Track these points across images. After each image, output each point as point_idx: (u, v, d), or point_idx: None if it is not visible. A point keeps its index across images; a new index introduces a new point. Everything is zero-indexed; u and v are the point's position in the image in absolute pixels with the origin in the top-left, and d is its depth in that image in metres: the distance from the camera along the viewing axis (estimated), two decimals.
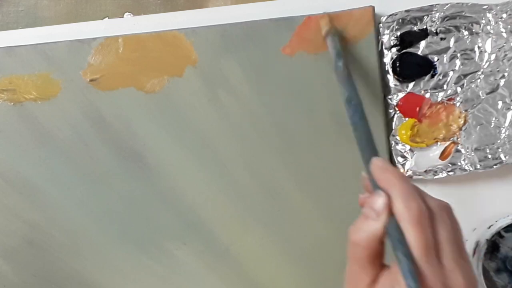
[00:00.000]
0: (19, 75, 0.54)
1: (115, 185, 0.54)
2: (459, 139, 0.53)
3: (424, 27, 0.53)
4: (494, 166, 0.52)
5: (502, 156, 0.52)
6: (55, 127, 0.54)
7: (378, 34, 0.54)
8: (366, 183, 0.41)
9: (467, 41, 0.53)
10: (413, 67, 0.53)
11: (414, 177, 0.53)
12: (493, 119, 0.53)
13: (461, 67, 0.53)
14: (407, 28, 0.53)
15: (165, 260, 0.55)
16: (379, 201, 0.37)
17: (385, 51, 0.53)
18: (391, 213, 0.36)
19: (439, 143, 0.53)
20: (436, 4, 0.53)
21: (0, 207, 0.54)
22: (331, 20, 0.52)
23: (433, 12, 0.53)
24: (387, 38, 0.53)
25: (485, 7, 0.52)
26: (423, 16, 0.53)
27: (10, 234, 0.55)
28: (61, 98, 0.54)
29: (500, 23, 0.52)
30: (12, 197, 0.54)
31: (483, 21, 0.53)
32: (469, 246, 0.53)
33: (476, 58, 0.53)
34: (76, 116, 0.54)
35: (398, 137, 0.53)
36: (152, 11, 0.58)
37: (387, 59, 0.53)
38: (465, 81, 0.53)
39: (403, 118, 0.53)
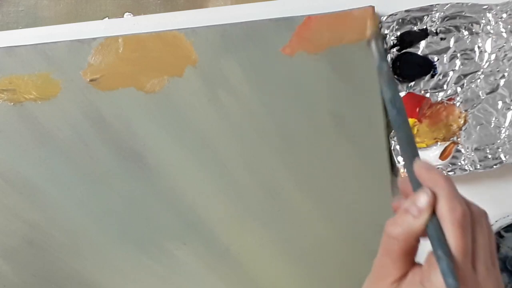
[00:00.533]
0: (19, 75, 0.54)
1: (115, 185, 0.54)
2: (459, 139, 0.53)
3: (424, 27, 0.53)
4: (494, 166, 0.52)
5: (502, 156, 0.52)
6: (55, 127, 0.54)
7: None
8: (403, 186, 0.41)
9: (467, 41, 0.53)
10: (413, 67, 0.53)
11: None
12: (493, 119, 0.53)
13: (461, 67, 0.53)
14: (407, 28, 0.53)
15: (165, 260, 0.55)
16: (424, 198, 0.36)
17: None
18: (433, 212, 0.36)
19: (439, 143, 0.53)
20: (436, 4, 0.53)
21: (0, 207, 0.54)
22: (376, 22, 0.52)
23: (433, 12, 0.53)
24: (387, 38, 0.53)
25: (485, 7, 0.53)
26: (423, 16, 0.53)
27: (10, 234, 0.55)
28: (61, 98, 0.54)
29: (500, 23, 0.52)
30: (12, 197, 0.54)
31: (483, 21, 0.53)
32: None
33: (476, 58, 0.53)
34: (76, 116, 0.54)
35: None
36: (152, 11, 0.58)
37: (387, 59, 0.53)
38: (465, 81, 0.53)
39: None
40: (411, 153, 0.41)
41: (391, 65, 0.53)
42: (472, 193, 0.54)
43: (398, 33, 0.53)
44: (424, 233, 0.36)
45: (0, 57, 0.54)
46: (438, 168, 0.53)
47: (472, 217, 0.36)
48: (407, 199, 0.38)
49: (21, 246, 0.55)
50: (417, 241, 0.37)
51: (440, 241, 0.35)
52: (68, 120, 0.54)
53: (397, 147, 0.53)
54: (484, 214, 0.38)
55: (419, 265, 0.37)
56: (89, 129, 0.54)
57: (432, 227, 0.36)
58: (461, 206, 0.35)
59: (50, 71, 0.54)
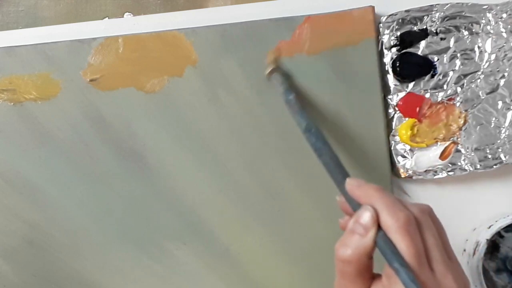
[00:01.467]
0: (19, 75, 0.54)
1: (115, 185, 0.54)
2: (459, 139, 0.53)
3: (424, 27, 0.53)
4: (494, 166, 0.52)
5: (502, 156, 0.52)
6: (55, 127, 0.54)
7: (378, 34, 0.54)
8: (344, 206, 0.41)
9: (467, 41, 0.53)
10: (413, 67, 0.53)
11: (414, 177, 0.53)
12: (493, 119, 0.53)
13: (461, 67, 0.53)
14: (407, 28, 0.53)
15: (165, 260, 0.55)
16: (366, 215, 0.37)
17: (385, 51, 0.53)
18: (378, 226, 0.36)
19: (439, 143, 0.53)
20: (436, 4, 0.53)
21: (0, 207, 0.54)
22: (276, 57, 0.53)
23: (433, 12, 0.53)
24: (387, 38, 0.53)
25: (485, 7, 0.53)
26: (423, 16, 0.53)
27: (10, 234, 0.55)
28: (61, 98, 0.54)
29: (500, 23, 0.53)
30: (12, 197, 0.54)
31: (483, 21, 0.53)
32: (469, 246, 0.53)
33: (476, 58, 0.53)
34: (76, 116, 0.54)
35: (398, 137, 0.54)
36: (152, 11, 0.58)
37: (387, 59, 0.53)
38: (465, 81, 0.53)
39: (403, 118, 0.53)
40: (341, 175, 0.41)
41: (391, 65, 0.53)
42: (472, 193, 0.55)
43: (398, 33, 0.53)
44: (374, 248, 0.36)
45: (0, 57, 0.54)
46: (435, 169, 0.53)
47: (416, 219, 0.37)
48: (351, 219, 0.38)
49: (21, 246, 0.55)
50: (370, 258, 0.37)
51: (392, 253, 0.35)
52: (68, 120, 0.54)
53: (397, 147, 0.53)
54: (427, 211, 0.38)
55: (379, 277, 0.38)
56: (89, 129, 0.54)
57: (381, 241, 0.36)
58: (402, 212, 0.36)
59: (50, 71, 0.54)
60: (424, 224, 0.37)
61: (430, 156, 0.53)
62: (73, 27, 0.57)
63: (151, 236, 0.55)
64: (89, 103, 0.54)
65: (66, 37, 0.55)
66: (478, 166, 0.53)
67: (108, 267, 0.55)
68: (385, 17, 0.53)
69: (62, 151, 0.54)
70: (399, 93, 0.53)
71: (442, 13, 0.53)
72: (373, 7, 0.53)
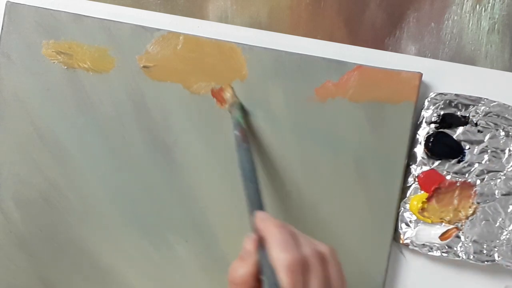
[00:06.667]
0: (80, 43, 0.56)
1: (138, 169, 0.57)
2: (463, 226, 0.55)
3: (467, 115, 0.55)
4: (486, 262, 0.55)
5: (496, 255, 0.55)
6: (99, 100, 0.56)
7: (422, 103, 0.56)
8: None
9: (501, 141, 0.55)
10: (444, 147, 0.55)
11: (411, 246, 0.56)
12: (500, 219, 0.55)
13: (487, 162, 0.55)
14: (451, 110, 0.55)
15: (165, 250, 0.57)
16: (248, 243, 0.42)
17: (424, 124, 0.55)
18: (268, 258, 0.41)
19: (443, 223, 0.56)
20: (485, 98, 0.55)
21: (28, 159, 0.57)
22: (234, 92, 0.56)
23: (479, 105, 0.55)
24: (430, 113, 0.55)
25: None
26: (469, 105, 0.55)
27: (30, 187, 0.57)
28: (112, 75, 0.56)
29: None
30: (42, 153, 0.57)
31: None
32: None
33: (504, 160, 0.55)
34: (121, 96, 0.56)
35: (408, 205, 0.56)
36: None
37: (423, 132, 0.55)
38: (487, 176, 0.55)
39: (419, 190, 0.56)
40: (256, 208, 0.46)
41: (425, 139, 0.55)
42: (459, 279, 0.57)
43: (442, 112, 0.55)
44: (259, 273, 0.41)
45: (67, 21, 0.56)
46: (431, 245, 0.56)
47: (305, 261, 0.40)
48: None
49: (36, 200, 0.57)
50: (258, 281, 0.41)
51: (275, 285, 0.39)
52: (113, 97, 0.56)
53: (405, 214, 0.56)
54: (321, 254, 0.42)
55: None
56: (130, 111, 0.56)
57: (268, 272, 0.40)
58: (290, 253, 0.40)
59: (109, 48, 0.56)
60: (311, 267, 0.40)
61: (431, 233, 0.56)
62: (141, 13, 0.58)
63: (158, 225, 0.57)
64: (136, 87, 0.56)
65: (131, 20, 0.57)
66: (471, 257, 0.55)
67: (110, 241, 0.57)
68: (435, 94, 0.55)
69: (99, 124, 0.57)
70: (423, 166, 0.56)
71: (487, 108, 0.54)
72: (421, 74, 0.55)
